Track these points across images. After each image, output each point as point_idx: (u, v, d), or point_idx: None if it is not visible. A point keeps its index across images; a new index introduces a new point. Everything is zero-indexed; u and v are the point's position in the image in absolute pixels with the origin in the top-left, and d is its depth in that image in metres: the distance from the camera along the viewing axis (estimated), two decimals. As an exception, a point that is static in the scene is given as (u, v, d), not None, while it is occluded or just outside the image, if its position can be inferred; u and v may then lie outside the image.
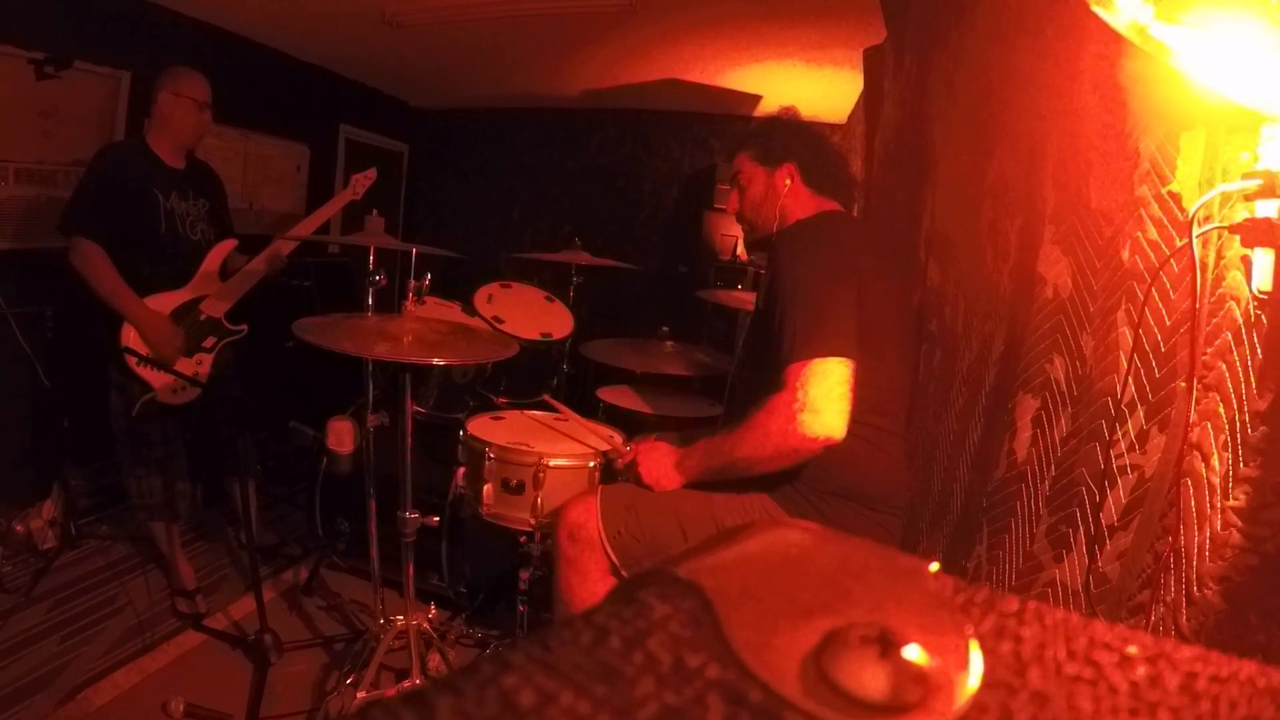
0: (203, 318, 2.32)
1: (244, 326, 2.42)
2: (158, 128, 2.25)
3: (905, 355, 1.53)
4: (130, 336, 2.16)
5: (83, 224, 2.11)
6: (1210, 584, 0.75)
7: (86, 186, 2.15)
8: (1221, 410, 0.76)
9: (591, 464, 1.72)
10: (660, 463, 1.49)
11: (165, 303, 2.23)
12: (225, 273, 2.37)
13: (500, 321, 2.45)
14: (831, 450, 1.37)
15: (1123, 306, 0.96)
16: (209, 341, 2.35)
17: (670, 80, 3.94)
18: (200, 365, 2.33)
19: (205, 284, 2.32)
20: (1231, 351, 0.76)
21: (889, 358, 1.44)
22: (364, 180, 2.49)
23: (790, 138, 1.58)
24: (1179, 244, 0.85)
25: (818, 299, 1.31)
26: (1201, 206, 0.76)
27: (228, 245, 2.38)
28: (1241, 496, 0.72)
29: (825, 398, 1.25)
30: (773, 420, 1.28)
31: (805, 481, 1.40)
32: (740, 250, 4.32)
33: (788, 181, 1.56)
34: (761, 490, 1.43)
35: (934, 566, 0.30)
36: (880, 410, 1.41)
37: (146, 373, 2.18)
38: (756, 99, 4.11)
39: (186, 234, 2.28)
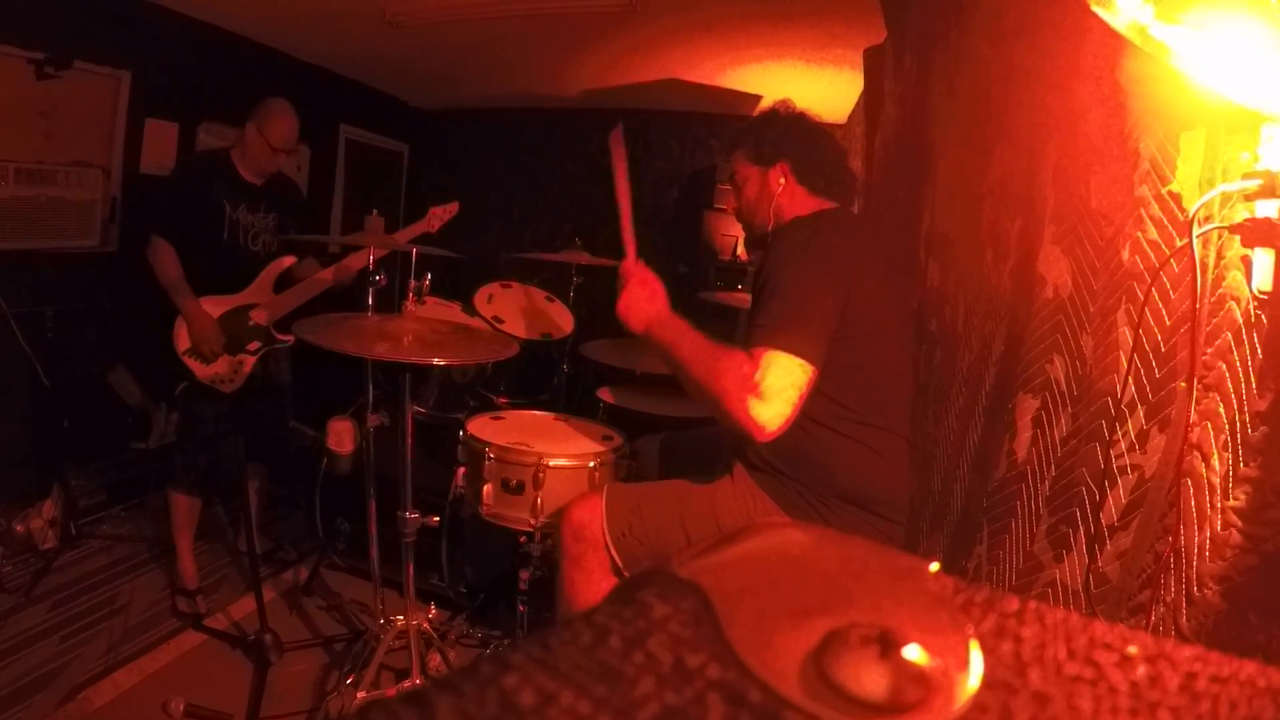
0: (251, 323, 2.41)
1: (291, 338, 2.49)
2: (239, 148, 2.40)
3: (906, 355, 1.52)
4: (181, 329, 2.31)
5: (159, 224, 2.32)
6: (1210, 584, 0.75)
7: (167, 190, 2.40)
8: (1221, 410, 0.76)
9: (591, 464, 1.72)
10: (649, 302, 1.45)
11: (218, 304, 2.35)
12: (281, 285, 2.47)
13: (500, 321, 2.45)
14: (835, 453, 1.38)
15: (1123, 306, 0.96)
16: (253, 345, 2.43)
17: (670, 80, 3.94)
18: (241, 366, 2.41)
19: (259, 293, 2.43)
20: (1231, 351, 0.76)
21: (890, 357, 1.44)
22: (443, 214, 2.56)
23: (783, 136, 1.55)
24: (1179, 244, 0.84)
25: (800, 299, 1.30)
26: (1201, 206, 0.76)
27: (287, 260, 2.49)
28: (1241, 496, 0.72)
29: (777, 394, 1.23)
30: (729, 379, 1.25)
31: (809, 485, 1.40)
32: (740, 250, 4.32)
33: (782, 181, 1.54)
34: (766, 494, 1.43)
35: (934, 566, 0.30)
36: (882, 410, 1.41)
37: (189, 361, 2.33)
38: (756, 99, 4.10)
39: (247, 244, 2.41)
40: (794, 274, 1.33)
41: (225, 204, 2.34)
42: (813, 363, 1.27)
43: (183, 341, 2.30)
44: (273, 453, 2.62)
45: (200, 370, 2.32)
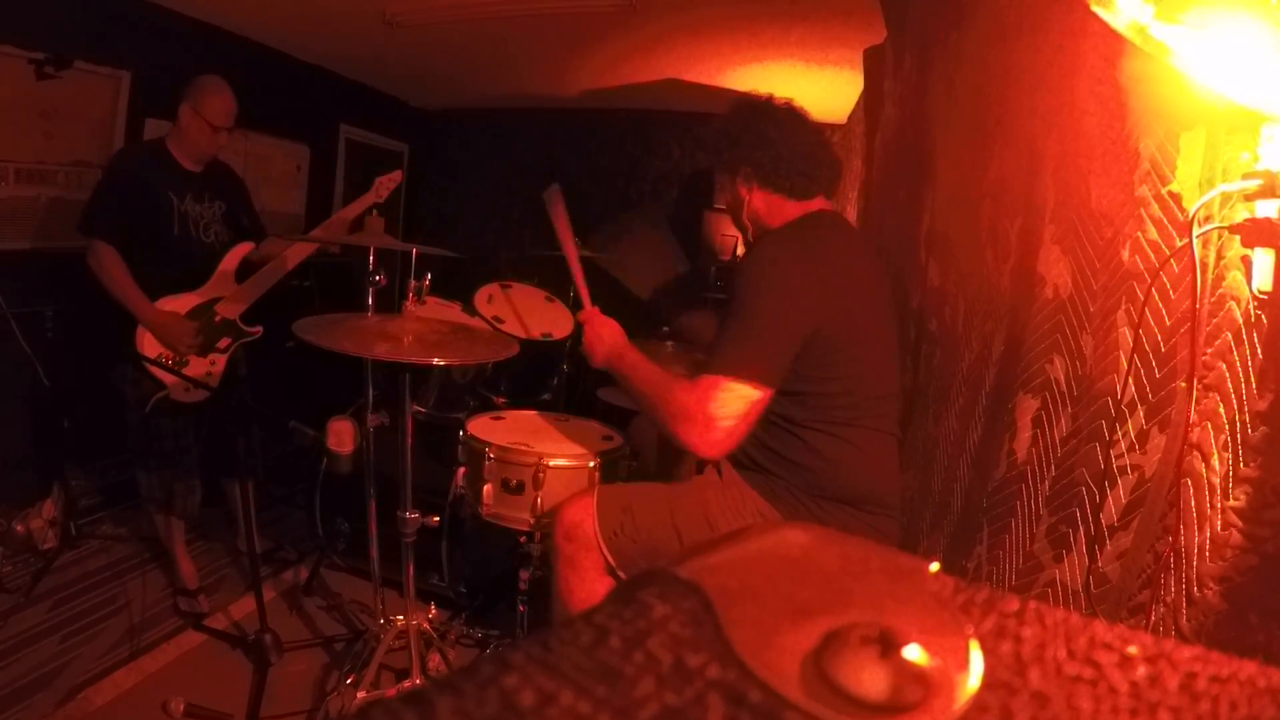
0: (218, 319, 2.34)
1: (259, 329, 2.44)
2: (176, 135, 2.27)
3: (891, 353, 1.51)
4: (146, 336, 2.20)
5: (98, 226, 2.15)
6: (1210, 584, 0.75)
7: (103, 189, 2.19)
8: (1221, 410, 0.76)
9: (591, 464, 1.72)
10: (605, 341, 1.53)
11: (180, 304, 2.26)
12: (243, 275, 2.39)
13: (500, 321, 2.45)
14: (821, 456, 1.38)
15: (1123, 306, 0.96)
16: (224, 342, 2.37)
17: (670, 80, 3.94)
18: (214, 365, 2.36)
19: (221, 286, 2.34)
20: (1231, 351, 0.76)
21: (874, 357, 1.44)
22: (388, 182, 2.50)
23: (735, 143, 1.51)
24: (1179, 244, 0.84)
25: (759, 323, 1.32)
26: (1201, 206, 0.76)
27: (244, 248, 2.40)
28: (1241, 496, 0.72)
29: (719, 422, 1.29)
30: (677, 406, 1.33)
31: (800, 487, 1.40)
32: (740, 250, 4.32)
33: (748, 188, 1.52)
34: (756, 492, 1.43)
35: (934, 566, 0.30)
36: (868, 410, 1.41)
37: (159, 372, 2.21)
38: (756, 99, 4.10)
39: (199, 236, 2.31)
40: (756, 297, 1.34)
41: (171, 196, 2.22)
42: (766, 385, 1.31)
43: (150, 348, 2.20)
44: (246, 448, 2.54)
45: (170, 380, 2.22)
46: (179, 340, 2.22)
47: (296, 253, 2.41)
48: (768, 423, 1.41)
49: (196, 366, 2.30)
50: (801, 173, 1.48)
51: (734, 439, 1.32)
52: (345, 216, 2.45)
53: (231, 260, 2.36)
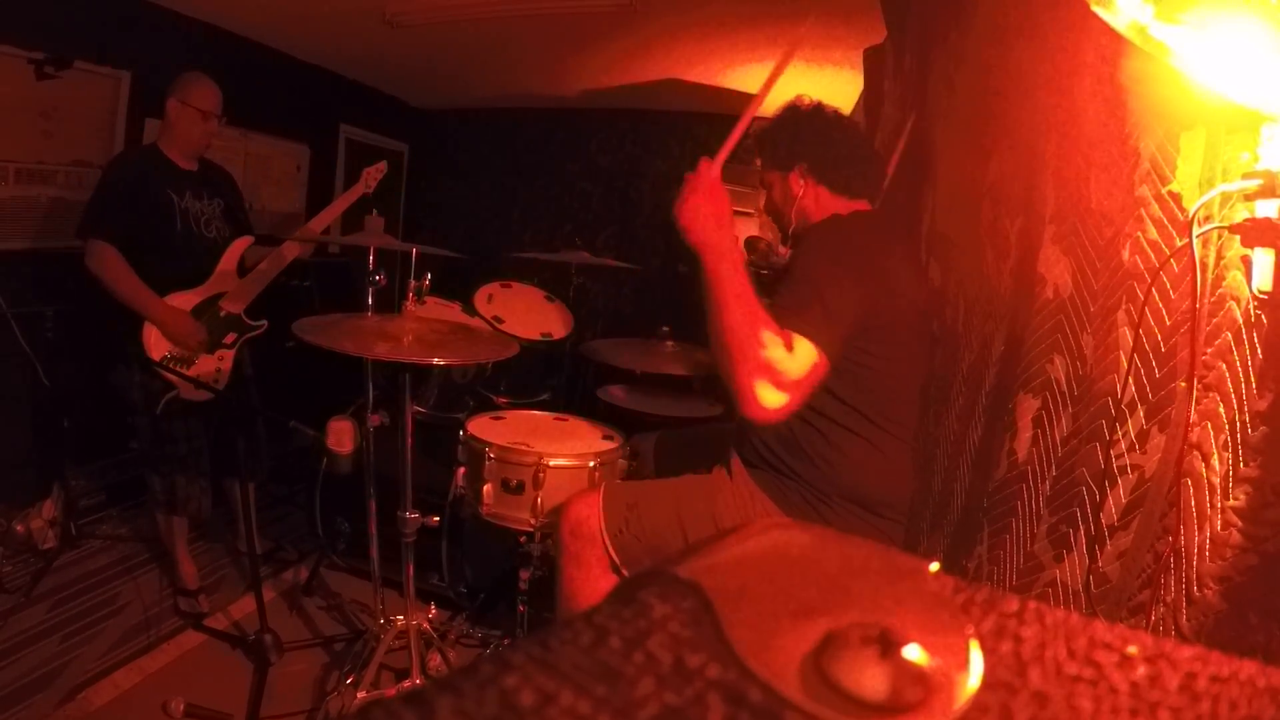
0: (223, 314, 2.34)
1: (264, 322, 2.44)
2: (166, 133, 2.29)
3: (917, 362, 1.51)
4: (151, 337, 2.19)
5: (98, 228, 2.13)
6: (1210, 584, 0.74)
7: (102, 192, 2.19)
8: (1221, 410, 0.76)
9: (591, 464, 1.72)
10: (709, 222, 1.28)
11: (185, 301, 2.26)
12: (243, 269, 2.40)
13: (500, 321, 2.45)
14: (840, 449, 1.38)
15: (1123, 306, 0.96)
16: (230, 338, 2.37)
17: (670, 80, 3.94)
18: (222, 362, 2.36)
19: (224, 281, 2.35)
20: (1231, 351, 0.76)
21: (902, 363, 1.43)
22: (375, 173, 2.50)
23: (794, 138, 1.52)
24: (1179, 244, 0.84)
25: (826, 293, 1.28)
26: (1201, 206, 0.76)
27: (244, 242, 2.41)
28: (1241, 496, 0.72)
29: (793, 386, 1.19)
30: (755, 348, 1.18)
31: (810, 481, 1.40)
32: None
33: (802, 183, 1.52)
34: (765, 493, 1.43)
35: (934, 566, 0.30)
36: (889, 414, 1.41)
37: (166, 374, 2.21)
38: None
39: (202, 232, 2.31)
40: (823, 268, 1.32)
41: (171, 194, 2.23)
42: (830, 358, 1.24)
43: (156, 349, 2.19)
44: (250, 448, 2.49)
45: (180, 378, 2.21)
46: (188, 336, 2.22)
47: (292, 247, 2.41)
48: (796, 416, 1.40)
49: (205, 364, 2.30)
50: (859, 174, 1.52)
51: (792, 408, 1.20)
52: (336, 210, 2.47)
53: (232, 256, 2.37)
